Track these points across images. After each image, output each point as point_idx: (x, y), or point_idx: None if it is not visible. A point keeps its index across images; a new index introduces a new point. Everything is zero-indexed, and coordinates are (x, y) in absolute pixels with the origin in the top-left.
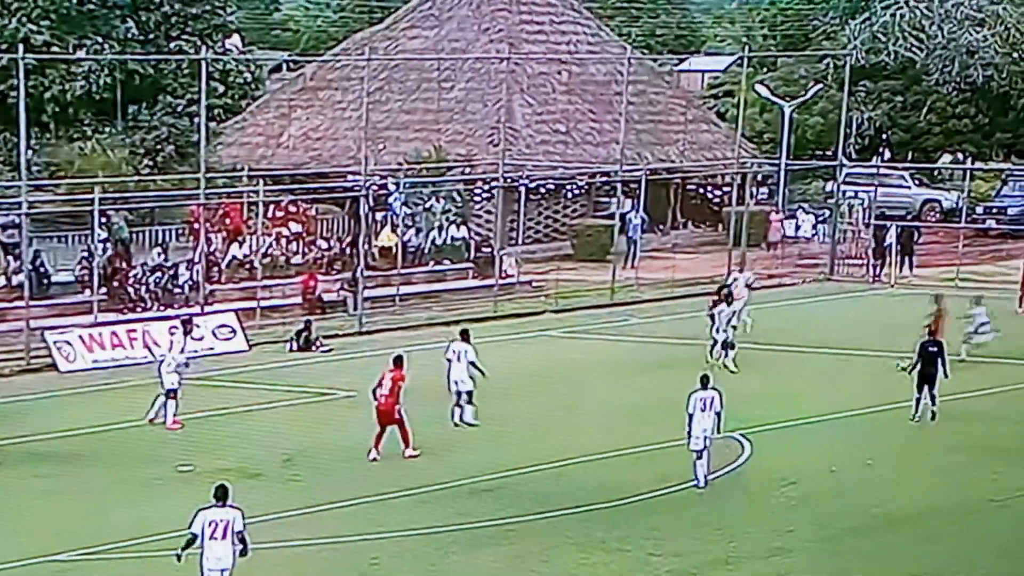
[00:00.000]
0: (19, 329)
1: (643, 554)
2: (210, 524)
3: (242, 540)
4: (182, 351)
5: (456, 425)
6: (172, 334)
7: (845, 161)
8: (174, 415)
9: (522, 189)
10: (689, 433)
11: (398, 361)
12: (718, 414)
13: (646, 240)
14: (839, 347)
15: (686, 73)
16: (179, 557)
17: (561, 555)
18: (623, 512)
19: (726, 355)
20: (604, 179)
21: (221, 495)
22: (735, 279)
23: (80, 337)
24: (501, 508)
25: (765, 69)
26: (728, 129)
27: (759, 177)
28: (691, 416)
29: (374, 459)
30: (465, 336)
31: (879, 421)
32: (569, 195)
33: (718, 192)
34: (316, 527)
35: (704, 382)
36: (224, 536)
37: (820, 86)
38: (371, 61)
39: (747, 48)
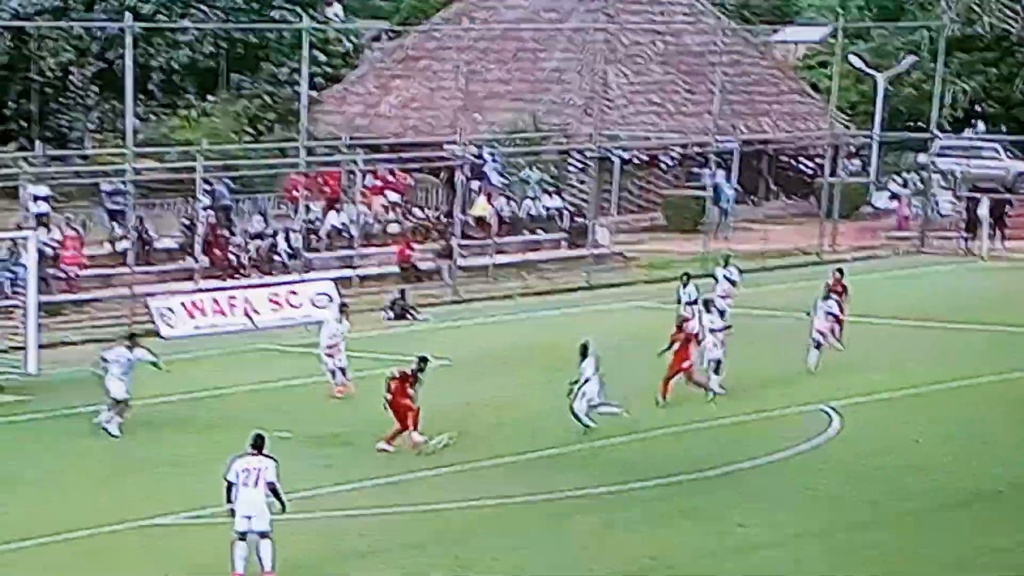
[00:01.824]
0: (123, 295)
1: (731, 524)
2: (243, 471)
3: (274, 491)
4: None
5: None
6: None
7: (938, 133)
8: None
9: (616, 159)
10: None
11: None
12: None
13: (738, 211)
14: (930, 319)
15: (780, 44)
16: (230, 504)
17: (648, 525)
18: (711, 483)
19: None
20: (697, 150)
21: (257, 443)
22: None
23: (182, 304)
24: (589, 478)
25: (859, 40)
26: (821, 100)
27: (851, 149)
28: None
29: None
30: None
31: (969, 394)
32: (662, 166)
33: (810, 163)
34: (406, 494)
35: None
36: (256, 484)
37: (914, 57)
38: (469, 31)
39: (841, 19)
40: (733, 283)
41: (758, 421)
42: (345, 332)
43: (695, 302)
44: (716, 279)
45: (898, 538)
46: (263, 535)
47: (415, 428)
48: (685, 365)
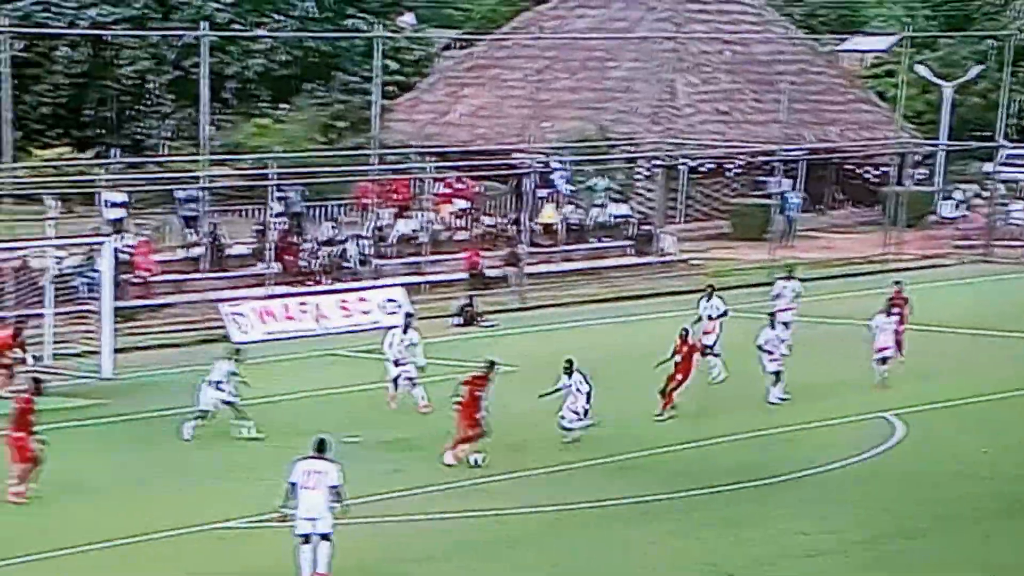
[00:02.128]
0: (196, 300)
1: (791, 532)
2: (305, 474)
3: (337, 495)
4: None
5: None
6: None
7: (1005, 142)
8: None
9: (683, 167)
10: None
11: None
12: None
13: (804, 219)
14: (995, 328)
15: (847, 53)
16: (284, 509)
17: (708, 532)
18: (772, 490)
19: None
20: (763, 158)
21: (320, 447)
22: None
23: (254, 309)
24: (651, 485)
25: (926, 49)
26: (888, 109)
27: (918, 157)
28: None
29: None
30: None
31: None
32: (728, 174)
33: (876, 172)
34: (469, 500)
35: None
36: (317, 487)
37: (981, 66)
38: (538, 40)
39: (909, 28)
40: (797, 295)
41: (821, 428)
42: (413, 341)
43: (724, 315)
44: (779, 293)
45: (959, 547)
46: (324, 537)
47: (463, 444)
48: (681, 378)
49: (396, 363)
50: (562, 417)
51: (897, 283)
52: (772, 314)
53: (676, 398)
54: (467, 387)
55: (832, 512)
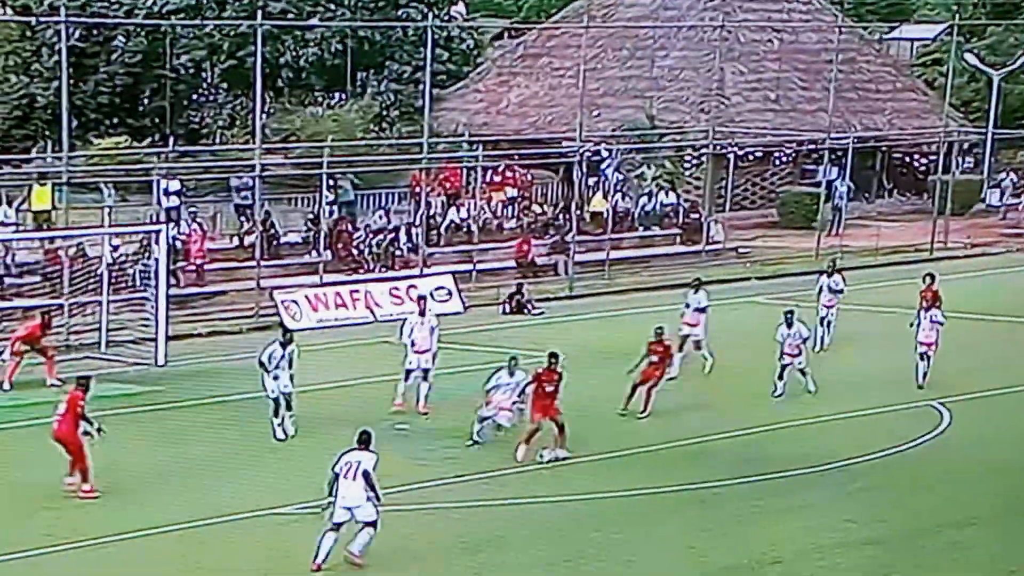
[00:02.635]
0: (250, 288)
1: (839, 520)
2: (345, 464)
3: (367, 480)
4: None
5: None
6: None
7: None
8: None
9: (731, 156)
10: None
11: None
12: None
13: (851, 208)
14: None
15: (895, 41)
16: (328, 495)
17: (756, 520)
18: (820, 478)
19: None
20: (811, 147)
21: (364, 439)
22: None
23: (306, 297)
24: (704, 472)
25: (975, 38)
26: (936, 98)
27: (965, 146)
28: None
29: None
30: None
31: None
32: (777, 162)
33: (924, 161)
34: (522, 488)
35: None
36: (354, 477)
37: None
38: (589, 29)
39: (957, 16)
40: (839, 292)
41: (868, 417)
42: (432, 326)
43: (703, 309)
44: (820, 289)
45: (1006, 536)
46: (369, 524)
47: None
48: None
49: (417, 352)
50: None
51: (930, 276)
52: (789, 312)
53: (654, 395)
54: (536, 383)
55: (880, 501)
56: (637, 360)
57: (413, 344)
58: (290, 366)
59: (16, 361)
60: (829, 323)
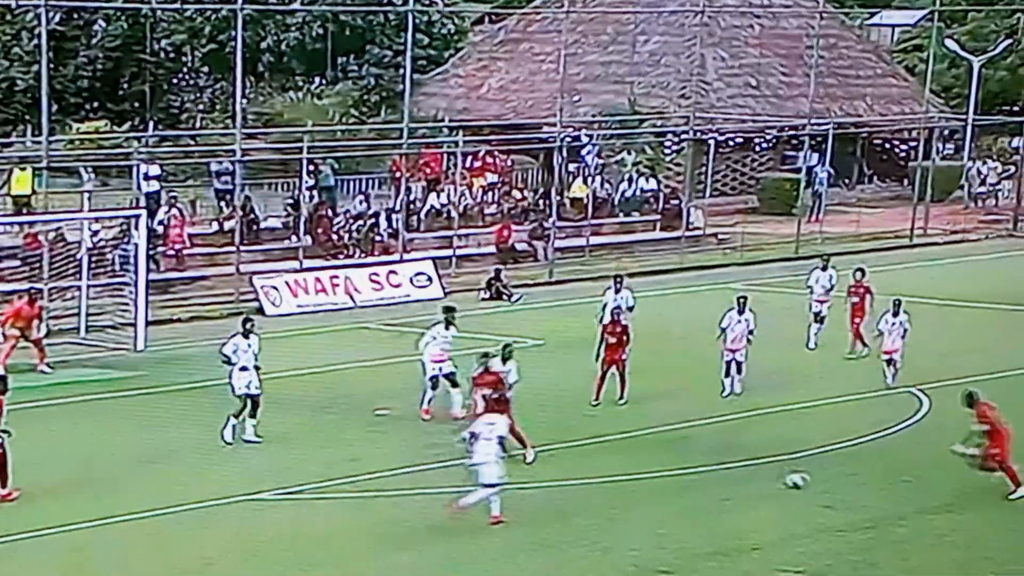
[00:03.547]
0: (229, 273)
1: (816, 506)
2: (486, 426)
3: (502, 444)
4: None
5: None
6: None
7: None
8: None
9: (711, 142)
10: None
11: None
12: None
13: (832, 194)
14: (1021, 303)
15: (876, 27)
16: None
17: (736, 506)
18: (798, 465)
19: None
20: (792, 133)
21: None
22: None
23: (286, 282)
24: (681, 459)
25: (955, 24)
26: (916, 84)
27: (946, 132)
28: None
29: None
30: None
31: None
32: (757, 148)
33: (904, 147)
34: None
35: None
36: (490, 437)
37: (1010, 40)
38: (569, 14)
39: (937, 2)
40: (832, 287)
41: (847, 404)
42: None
43: (631, 309)
44: (811, 286)
45: (983, 522)
46: (488, 485)
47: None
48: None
49: (435, 360)
50: None
51: (860, 272)
52: (742, 299)
53: (628, 380)
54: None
55: (858, 487)
56: (596, 346)
57: (436, 358)
58: (255, 359)
59: (11, 345)
60: (823, 319)
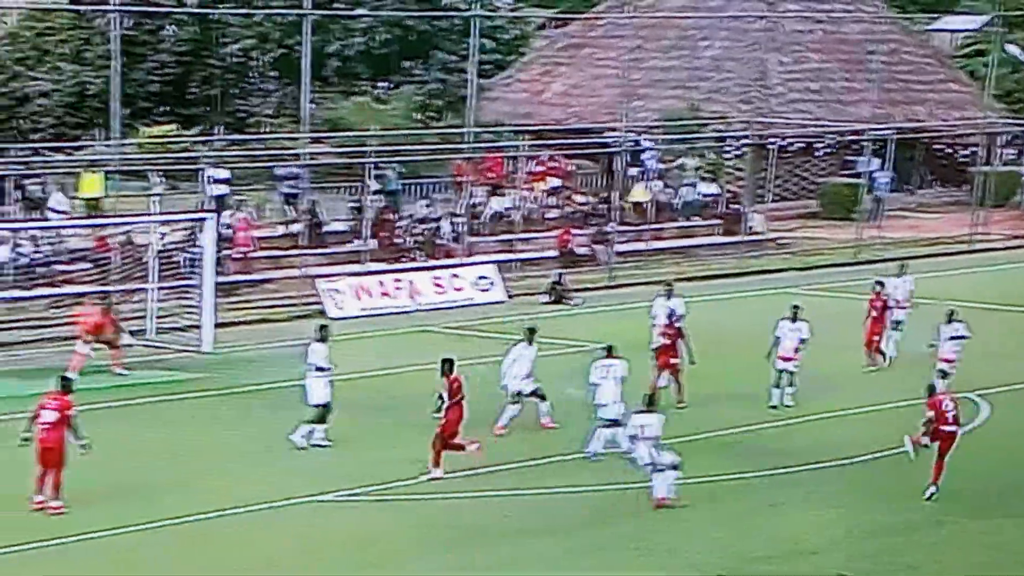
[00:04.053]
0: (294, 276)
1: (873, 511)
2: (639, 427)
3: (656, 445)
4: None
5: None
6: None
7: None
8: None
9: (772, 147)
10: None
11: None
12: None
13: (892, 199)
14: None
15: (938, 32)
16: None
17: (789, 510)
18: (856, 469)
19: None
20: (852, 137)
21: (649, 401)
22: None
23: (350, 285)
24: (736, 463)
25: (1017, 28)
26: (977, 89)
27: (1007, 137)
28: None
29: None
30: None
31: None
32: (818, 153)
33: (965, 152)
34: (563, 476)
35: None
36: (648, 437)
37: None
38: (632, 19)
39: (1000, 7)
40: (910, 294)
41: (901, 410)
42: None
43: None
44: (890, 294)
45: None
46: (673, 467)
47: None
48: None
49: (517, 376)
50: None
51: (879, 284)
52: (796, 307)
53: (684, 382)
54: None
55: (917, 492)
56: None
57: (522, 375)
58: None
59: (84, 355)
60: (900, 326)
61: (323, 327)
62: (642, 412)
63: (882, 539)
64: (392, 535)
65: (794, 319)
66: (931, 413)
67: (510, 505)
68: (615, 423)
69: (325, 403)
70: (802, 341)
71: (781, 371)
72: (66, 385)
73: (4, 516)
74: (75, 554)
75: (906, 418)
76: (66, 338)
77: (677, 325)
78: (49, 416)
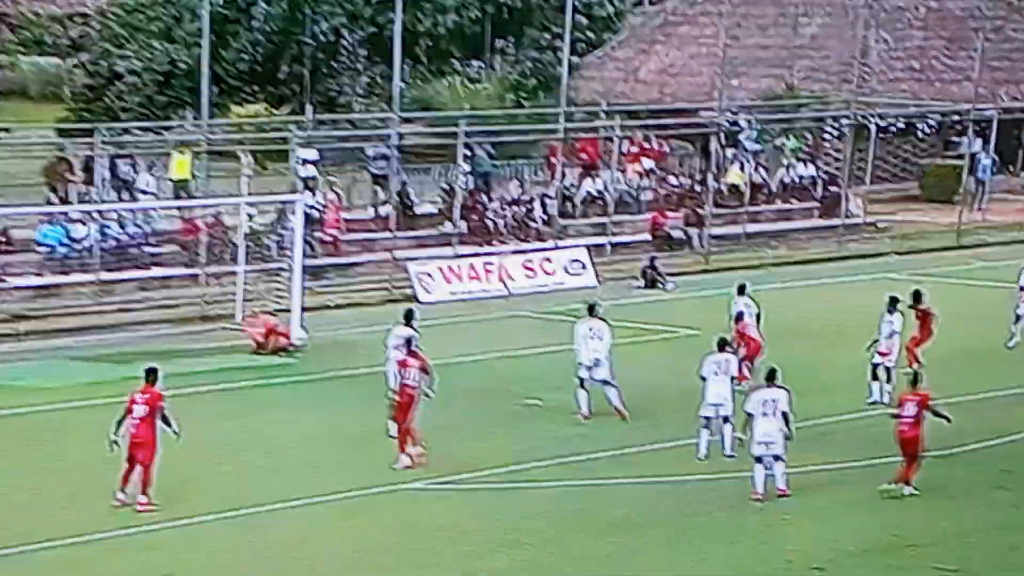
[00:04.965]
0: (384, 259)
1: (970, 504)
2: (762, 403)
3: (785, 418)
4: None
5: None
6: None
7: None
8: None
9: (872, 127)
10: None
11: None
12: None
13: (996, 181)
14: None
15: None
16: (740, 439)
17: (892, 502)
18: (960, 459)
19: None
20: (955, 118)
21: (770, 376)
22: None
23: (440, 269)
24: (832, 454)
25: None
26: None
27: None
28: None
29: None
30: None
31: None
32: (919, 134)
33: None
34: (652, 466)
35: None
36: (773, 414)
37: None
38: None
39: None
40: None
41: (1005, 400)
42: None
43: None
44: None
45: None
46: (777, 458)
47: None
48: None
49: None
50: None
51: (915, 294)
52: (894, 298)
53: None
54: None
55: (1017, 485)
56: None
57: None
58: None
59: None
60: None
61: (409, 312)
62: (766, 387)
63: (996, 535)
64: (487, 525)
65: (891, 310)
66: None
67: (608, 494)
68: (726, 420)
69: None
70: (894, 332)
71: (876, 365)
72: (152, 377)
73: (95, 505)
74: (166, 544)
75: (1012, 409)
76: (153, 321)
77: (738, 326)
78: (139, 411)
